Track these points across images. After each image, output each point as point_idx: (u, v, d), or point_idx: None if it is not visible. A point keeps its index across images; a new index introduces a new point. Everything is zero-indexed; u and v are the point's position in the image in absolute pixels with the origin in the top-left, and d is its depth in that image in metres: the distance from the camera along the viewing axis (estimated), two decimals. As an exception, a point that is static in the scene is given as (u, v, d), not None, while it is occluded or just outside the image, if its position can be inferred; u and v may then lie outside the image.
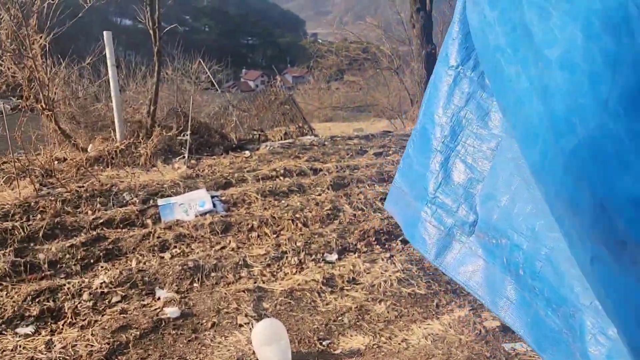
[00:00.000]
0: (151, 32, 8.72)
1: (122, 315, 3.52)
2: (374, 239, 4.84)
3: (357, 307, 3.61)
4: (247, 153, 8.42)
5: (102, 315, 3.53)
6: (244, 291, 3.82)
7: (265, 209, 5.77)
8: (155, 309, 3.57)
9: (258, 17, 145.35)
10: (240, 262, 4.41)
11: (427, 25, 14.81)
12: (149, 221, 5.49)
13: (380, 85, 24.54)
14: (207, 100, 16.93)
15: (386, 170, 7.20)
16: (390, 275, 3.99)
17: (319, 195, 6.28)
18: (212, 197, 6.07)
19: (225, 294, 3.83)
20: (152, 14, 8.44)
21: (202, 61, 15.92)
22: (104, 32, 7.92)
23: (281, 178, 6.95)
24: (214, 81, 15.19)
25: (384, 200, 6.39)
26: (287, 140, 9.57)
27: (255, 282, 4.06)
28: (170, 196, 6.24)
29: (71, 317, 3.50)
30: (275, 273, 4.27)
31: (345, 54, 20.89)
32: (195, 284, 4.07)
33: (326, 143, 9.42)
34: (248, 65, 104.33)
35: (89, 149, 8.14)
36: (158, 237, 5.00)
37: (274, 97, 11.18)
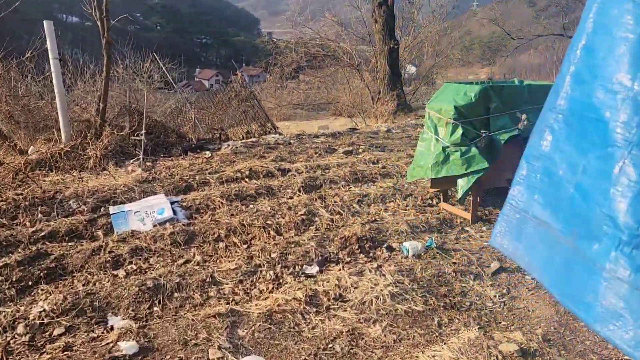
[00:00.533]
0: (99, 22, 7.94)
1: (65, 353, 2.89)
2: (356, 246, 4.36)
3: (348, 330, 3.11)
4: (208, 153, 7.79)
5: (41, 354, 2.89)
6: (214, 316, 3.25)
7: (232, 215, 5.19)
8: (108, 344, 2.96)
9: (211, 15, 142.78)
10: (207, 279, 3.83)
11: (390, 20, 14.51)
12: (99, 233, 4.82)
13: (337, 83, 24.15)
14: (161, 99, 16.08)
15: (359, 170, 6.74)
16: (381, 290, 3.52)
17: (291, 198, 5.75)
18: (172, 203, 5.44)
19: (193, 320, 3.25)
20: (99, 3, 7.67)
21: (155, 57, 15.09)
22: (44, 22, 7.11)
23: (247, 180, 6.38)
24: (169, 79, 14.38)
25: (361, 202, 5.99)
26: (250, 139, 8.98)
27: (227, 303, 3.49)
28: (124, 203, 5.56)
29: (1, 358, 2.85)
30: (249, 290, 3.72)
31: (304, 50, 20.37)
32: (155, 308, 3.47)
33: (292, 142, 8.89)
34: (202, 64, 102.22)
35: (29, 152, 7.31)
36: (110, 252, 4.35)
37: (234, 94, 10.55)
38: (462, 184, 4.66)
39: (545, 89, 5.00)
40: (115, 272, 4.04)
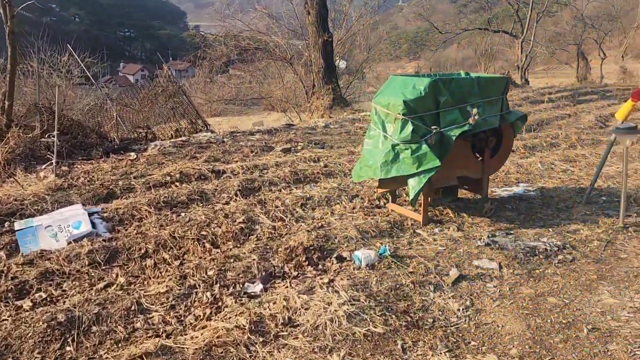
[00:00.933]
0: (0, 9, 7.01)
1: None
2: (304, 258, 3.93)
3: (302, 362, 2.68)
4: (133, 155, 7.07)
5: None
6: (141, 357, 2.71)
7: (161, 226, 4.61)
8: (3, 406, 2.36)
9: (133, 7, 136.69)
10: (133, 307, 3.28)
11: (323, 12, 14.14)
12: (0, 254, 4.10)
13: (270, 77, 23.54)
14: (81, 95, 14.85)
15: (300, 170, 6.31)
16: (336, 310, 3.12)
17: (227, 204, 5.23)
18: (91, 214, 4.77)
19: (115, 362, 2.70)
20: (-1, -14, 6.74)
21: (72, 50, 13.91)
22: None
23: (178, 184, 5.78)
24: (88, 74, 13.27)
25: (305, 206, 5.55)
26: (179, 138, 8.30)
27: (157, 336, 2.96)
28: (34, 216, 4.83)
29: None
30: (182, 318, 3.20)
31: (234, 43, 19.60)
32: (68, 348, 2.89)
33: (225, 140, 8.31)
34: (126, 58, 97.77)
35: None
36: (14, 278, 3.69)
37: (161, 89, 9.77)
38: (414, 184, 4.35)
39: (494, 81, 4.78)
40: (19, 303, 3.40)
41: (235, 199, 5.34)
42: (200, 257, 4.03)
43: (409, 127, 4.32)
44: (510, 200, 5.52)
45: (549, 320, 3.05)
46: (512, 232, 4.56)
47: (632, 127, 4.53)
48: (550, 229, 4.64)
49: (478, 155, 4.95)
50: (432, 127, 4.36)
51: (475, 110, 4.45)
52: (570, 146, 8.29)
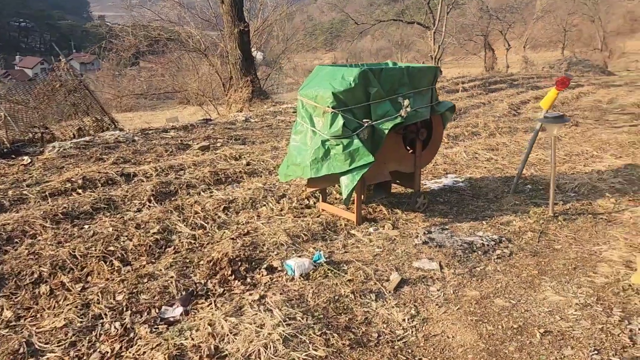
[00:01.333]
0: None
1: None
2: (229, 271, 3.49)
3: (234, 404, 2.27)
4: (27, 159, 6.22)
5: None
6: (30, 419, 2.18)
7: (59, 243, 3.97)
8: None
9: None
10: (21, 349, 2.70)
11: (238, 1, 13.51)
12: None
13: (184, 69, 22.45)
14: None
15: (221, 169, 5.82)
16: (270, 334, 2.72)
17: (139, 212, 4.65)
18: (-30, 233, 4.02)
19: None
20: None
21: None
22: None
23: (80, 192, 5.10)
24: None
25: (228, 209, 5.07)
26: (83, 139, 7.45)
27: (51, 387, 2.42)
28: None
29: None
30: (85, 357, 2.67)
31: (143, 34, 18.37)
32: None
33: (136, 138, 7.59)
34: (23, 51, 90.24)
35: None
36: None
37: (60, 83, 8.77)
38: (347, 183, 4.03)
39: (424, 71, 4.56)
40: None
41: (149, 206, 4.77)
42: (107, 279, 3.47)
43: (340, 121, 3.99)
44: (441, 192, 5.38)
45: (499, 327, 2.84)
46: (447, 227, 4.38)
47: (559, 115, 4.49)
48: (483, 222, 4.52)
49: (409, 148, 4.73)
50: (364, 120, 4.06)
51: (407, 102, 4.21)
52: (490, 134, 8.41)
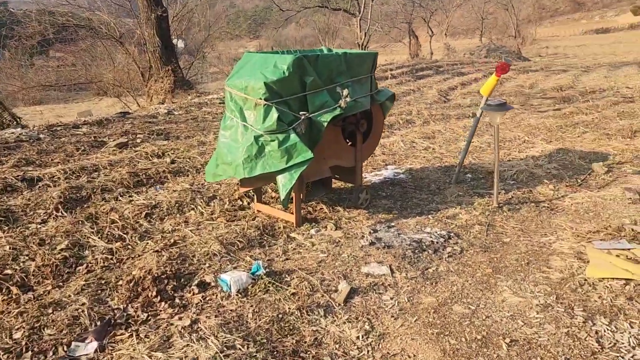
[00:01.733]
0: None
1: None
2: (154, 292, 3.01)
3: None
4: None
5: None
6: None
7: (-59, 268, 3.29)
8: None
9: None
10: None
11: (154, -16, 12.59)
12: None
13: (98, 59, 20.92)
14: None
15: (142, 169, 5.22)
16: (205, 369, 2.30)
17: (44, 223, 4.01)
18: None
19: None
20: None
21: None
22: None
23: (-29, 202, 4.35)
24: None
25: (151, 216, 4.52)
26: (-23, 138, 6.53)
27: None
28: None
29: None
30: (-29, 421, 2.12)
31: (50, 20, 16.83)
32: None
33: (42, 136, 6.76)
34: None
35: None
36: None
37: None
38: (284, 182, 3.64)
39: (363, 57, 4.23)
40: None
41: (56, 216, 4.14)
42: (2, 312, 2.88)
43: (274, 114, 3.57)
44: (382, 186, 5.12)
45: (463, 339, 2.58)
46: (393, 224, 4.11)
47: (502, 103, 4.33)
48: (429, 216, 4.29)
49: (349, 141, 4.41)
50: (301, 112, 3.67)
51: (346, 92, 3.86)
52: (424, 122, 8.29)
